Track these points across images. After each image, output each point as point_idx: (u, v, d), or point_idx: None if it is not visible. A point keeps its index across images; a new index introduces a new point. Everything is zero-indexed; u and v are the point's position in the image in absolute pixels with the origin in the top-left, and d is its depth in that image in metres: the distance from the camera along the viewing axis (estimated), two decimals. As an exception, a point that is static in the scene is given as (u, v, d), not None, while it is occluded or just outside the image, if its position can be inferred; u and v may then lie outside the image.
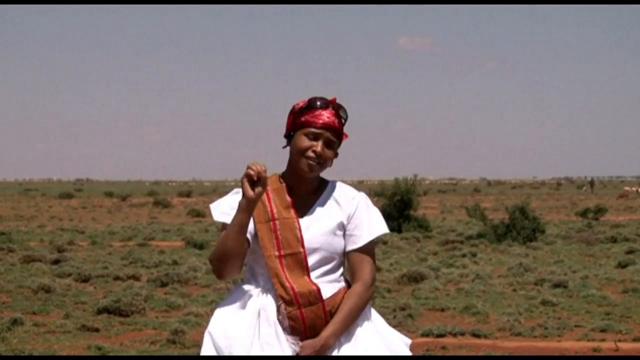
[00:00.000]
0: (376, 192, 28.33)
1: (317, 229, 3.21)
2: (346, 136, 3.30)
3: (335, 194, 3.29)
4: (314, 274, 3.20)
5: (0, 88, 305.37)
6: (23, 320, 9.35)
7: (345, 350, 3.17)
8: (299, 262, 3.19)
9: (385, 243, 20.83)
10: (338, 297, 3.20)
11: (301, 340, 3.16)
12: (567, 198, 64.93)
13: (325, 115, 3.22)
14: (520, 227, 21.45)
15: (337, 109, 3.26)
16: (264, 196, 3.23)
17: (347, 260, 3.29)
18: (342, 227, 3.24)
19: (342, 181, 3.34)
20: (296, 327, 3.16)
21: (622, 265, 15.50)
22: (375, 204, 3.54)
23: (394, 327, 3.41)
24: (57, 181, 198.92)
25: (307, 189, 3.27)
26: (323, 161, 3.21)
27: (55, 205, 52.69)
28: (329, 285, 3.21)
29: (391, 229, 25.98)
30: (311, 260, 3.20)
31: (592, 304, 11.12)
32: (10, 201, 60.57)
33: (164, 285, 12.75)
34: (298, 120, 3.24)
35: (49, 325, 9.43)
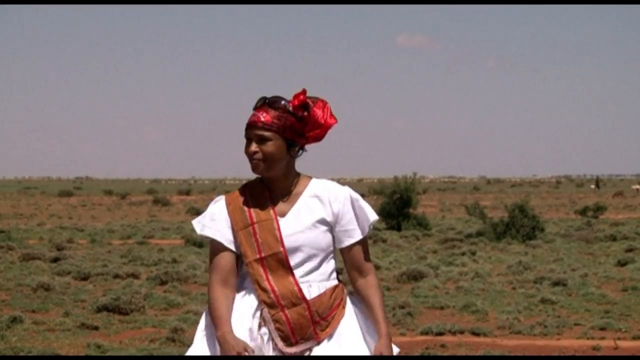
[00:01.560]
0: (375, 190, 28.36)
1: (297, 226, 3.16)
2: (328, 122, 3.21)
3: (317, 190, 3.21)
4: (298, 273, 3.15)
5: (0, 86, 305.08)
6: (22, 319, 9.34)
7: (331, 350, 3.12)
8: (281, 262, 3.14)
9: (384, 241, 20.83)
10: (325, 297, 3.14)
11: (290, 343, 3.12)
12: (566, 196, 64.97)
13: (252, 116, 3.18)
14: (519, 225, 21.44)
15: (272, 103, 3.18)
16: (244, 202, 3.22)
17: (345, 256, 3.24)
18: (326, 223, 3.18)
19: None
20: (282, 330, 3.11)
21: (621, 264, 15.50)
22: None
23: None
24: (56, 179, 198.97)
25: (284, 188, 3.21)
26: (265, 158, 3.14)
27: (54, 204, 52.68)
28: (315, 285, 3.16)
29: (390, 227, 26.12)
30: (294, 259, 3.15)
31: (591, 302, 11.10)
32: (10, 199, 60.58)
33: (163, 283, 12.74)
34: None
35: (48, 323, 9.41)
